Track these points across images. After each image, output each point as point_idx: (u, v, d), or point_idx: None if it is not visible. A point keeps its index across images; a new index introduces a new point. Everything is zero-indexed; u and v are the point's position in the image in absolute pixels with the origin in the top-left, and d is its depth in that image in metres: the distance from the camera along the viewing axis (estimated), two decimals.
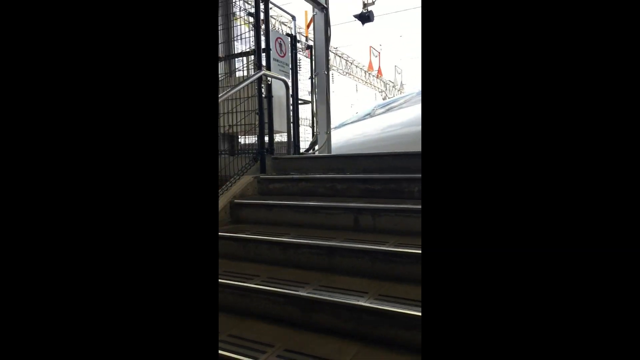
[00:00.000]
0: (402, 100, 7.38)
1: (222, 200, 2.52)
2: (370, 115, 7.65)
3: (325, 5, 4.73)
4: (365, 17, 5.90)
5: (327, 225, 2.20)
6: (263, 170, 2.96)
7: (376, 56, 17.55)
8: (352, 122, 7.75)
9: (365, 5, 5.81)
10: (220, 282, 1.81)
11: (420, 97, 7.32)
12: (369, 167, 2.63)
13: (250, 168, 2.90)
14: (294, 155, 3.10)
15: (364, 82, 17.53)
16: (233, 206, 2.52)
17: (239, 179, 2.76)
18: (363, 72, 17.03)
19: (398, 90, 19.70)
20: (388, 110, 7.41)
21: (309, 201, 2.33)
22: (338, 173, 2.71)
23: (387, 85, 18.90)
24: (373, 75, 17.52)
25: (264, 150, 2.97)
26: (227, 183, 2.71)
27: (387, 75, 18.57)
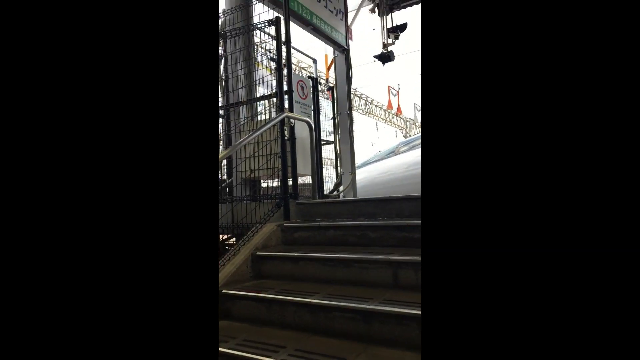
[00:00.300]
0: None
1: (243, 253, 2.28)
2: (394, 153, 7.43)
3: (345, 47, 4.71)
4: (385, 57, 5.86)
5: (361, 281, 1.91)
6: (287, 216, 2.74)
7: (395, 95, 17.70)
8: (375, 161, 7.53)
9: (385, 45, 5.79)
10: (241, 355, 1.53)
11: None
12: (403, 212, 2.36)
13: (273, 215, 2.69)
14: (320, 200, 2.87)
15: (384, 121, 17.56)
16: (255, 259, 2.28)
17: (261, 227, 2.54)
18: (382, 110, 17.12)
19: (418, 127, 19.60)
20: (412, 147, 7.18)
21: (340, 253, 2.06)
22: (369, 219, 2.44)
23: (407, 123, 18.86)
24: (392, 114, 17.56)
25: (287, 196, 2.76)
26: (249, 232, 2.49)
27: (407, 112, 18.60)
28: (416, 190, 6.60)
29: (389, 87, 17.07)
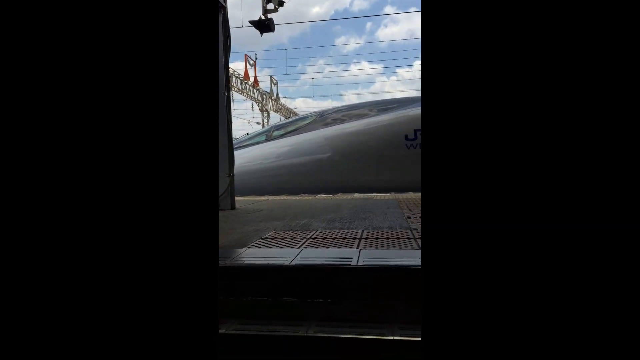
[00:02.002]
0: (303, 123, 6.39)
1: None
2: (266, 137, 6.42)
3: (223, 3, 3.34)
4: (265, 26, 4.68)
5: None
6: None
7: (252, 65, 16.39)
8: (242, 146, 6.37)
9: (266, 11, 4.59)
10: None
11: (322, 121, 6.49)
12: (362, 289, 1.48)
13: None
14: None
15: (240, 92, 16.04)
16: None
17: None
18: (239, 80, 15.55)
19: (274, 101, 18.88)
20: (287, 133, 6.32)
21: None
22: (301, 299, 1.48)
23: (264, 96, 17.83)
24: (249, 85, 16.21)
25: None
26: None
27: (263, 85, 17.58)
28: (287, 183, 5.89)
29: (245, 55, 15.63)
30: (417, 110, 5.90)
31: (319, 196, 5.46)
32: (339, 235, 2.15)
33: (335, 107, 6.86)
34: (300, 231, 2.30)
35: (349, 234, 2.17)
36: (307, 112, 7.46)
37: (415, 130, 5.72)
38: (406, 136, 5.77)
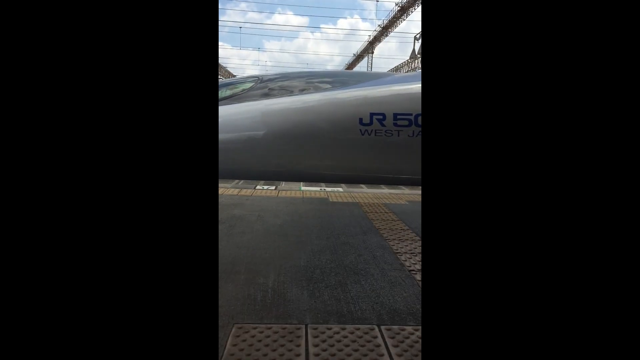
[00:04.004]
0: (238, 90, 4.99)
1: None
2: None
3: None
4: None
5: None
6: None
7: None
8: None
9: None
10: None
11: (261, 89, 5.20)
12: None
13: None
14: None
15: None
16: None
17: None
18: None
19: None
20: (220, 100, 4.90)
21: None
22: None
23: None
24: None
25: None
26: None
27: None
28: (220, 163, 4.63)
29: None
30: (374, 91, 5.10)
31: (259, 189, 4.43)
32: (358, 353, 1.28)
33: (278, 74, 5.62)
34: (286, 338, 1.37)
35: (369, 340, 1.33)
36: (242, 76, 6.04)
37: (372, 114, 4.95)
38: (361, 120, 4.96)
